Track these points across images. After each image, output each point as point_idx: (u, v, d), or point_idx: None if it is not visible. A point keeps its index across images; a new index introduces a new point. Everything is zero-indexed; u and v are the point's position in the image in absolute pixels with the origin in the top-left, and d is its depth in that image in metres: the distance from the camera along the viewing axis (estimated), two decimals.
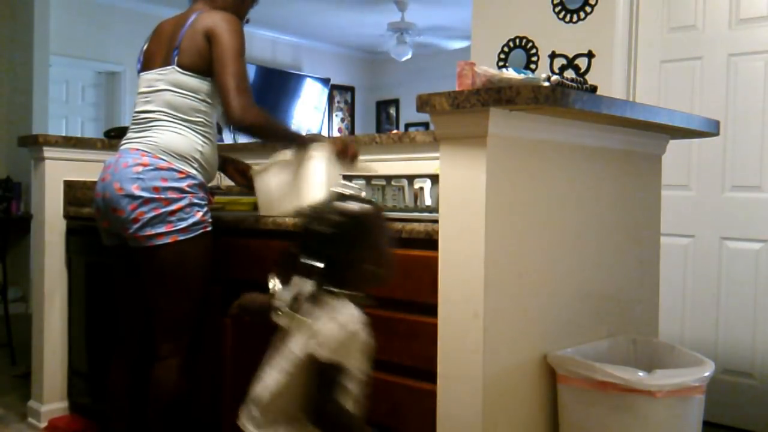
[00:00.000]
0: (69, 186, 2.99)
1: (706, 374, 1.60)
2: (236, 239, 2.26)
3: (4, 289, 4.12)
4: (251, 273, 2.21)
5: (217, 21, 2.11)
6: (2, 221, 4.28)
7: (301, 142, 2.22)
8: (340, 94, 9.51)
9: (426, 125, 8.50)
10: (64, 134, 4.59)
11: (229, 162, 2.58)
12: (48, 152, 2.93)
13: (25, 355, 3.60)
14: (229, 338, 2.22)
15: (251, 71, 7.95)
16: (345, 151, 2.24)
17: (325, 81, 8.91)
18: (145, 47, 2.27)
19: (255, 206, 2.86)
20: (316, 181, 2.15)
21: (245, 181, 2.49)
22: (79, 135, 6.58)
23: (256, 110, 2.09)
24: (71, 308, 2.99)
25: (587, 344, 1.81)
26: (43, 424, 2.97)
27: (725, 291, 3.06)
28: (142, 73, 2.22)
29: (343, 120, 9.58)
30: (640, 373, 1.54)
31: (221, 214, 2.46)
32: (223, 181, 3.39)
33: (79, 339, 2.95)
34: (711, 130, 2.07)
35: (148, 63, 2.21)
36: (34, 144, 2.94)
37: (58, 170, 2.97)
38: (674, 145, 2.27)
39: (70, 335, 3.00)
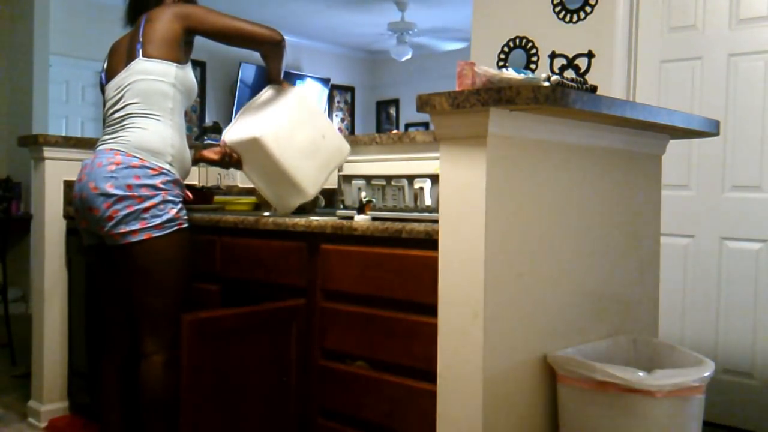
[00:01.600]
0: (69, 186, 2.99)
1: (706, 374, 1.60)
2: (236, 239, 2.26)
3: (4, 289, 4.12)
4: (251, 273, 2.22)
5: (180, 5, 2.22)
6: (2, 221, 4.27)
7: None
8: (340, 94, 9.51)
9: (426, 125, 8.49)
10: (64, 134, 4.59)
11: (197, 148, 2.58)
12: (48, 152, 2.93)
13: (25, 355, 3.60)
14: (186, 340, 1.90)
15: (251, 71, 7.95)
16: None
17: (325, 81, 8.91)
18: (105, 66, 2.34)
19: (255, 206, 2.87)
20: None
21: (218, 158, 2.33)
22: (79, 135, 6.58)
23: (278, 33, 2.24)
24: (71, 308, 2.99)
25: (587, 344, 1.81)
26: (43, 424, 2.97)
27: (725, 291, 3.06)
28: (107, 84, 2.27)
29: (343, 120, 9.58)
30: (640, 373, 1.54)
31: (221, 214, 2.46)
32: (223, 181, 3.40)
33: (79, 339, 2.95)
34: (711, 130, 2.07)
35: (111, 75, 2.27)
36: (34, 144, 2.94)
37: (58, 170, 2.97)
38: (674, 145, 2.27)
39: (70, 335, 3.00)
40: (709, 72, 3.13)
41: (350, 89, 9.66)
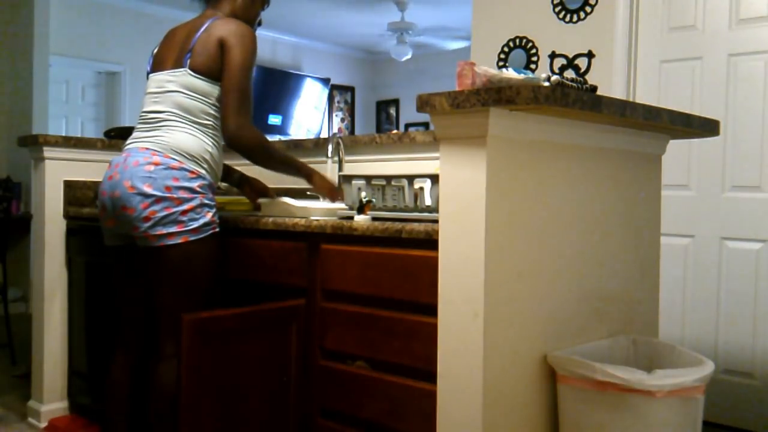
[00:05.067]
0: (69, 186, 2.99)
1: (706, 374, 1.60)
2: (236, 239, 2.26)
3: (4, 289, 4.12)
4: (251, 273, 2.22)
5: (232, 31, 2.13)
6: (2, 221, 4.27)
7: (303, 173, 2.33)
8: (340, 94, 9.51)
9: (426, 125, 8.50)
10: (64, 134, 4.60)
11: (245, 181, 2.59)
12: (48, 152, 2.93)
13: (25, 355, 3.60)
14: (186, 340, 1.85)
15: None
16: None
17: (325, 81, 8.90)
18: (155, 51, 2.29)
19: (255, 206, 2.86)
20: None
21: (253, 204, 2.52)
22: (79, 135, 6.58)
23: (252, 132, 2.15)
24: (71, 308, 2.99)
25: (587, 344, 1.81)
26: (43, 424, 2.97)
27: (725, 291, 3.06)
28: (152, 74, 2.24)
29: (343, 120, 9.58)
30: (640, 373, 1.54)
31: (221, 214, 2.46)
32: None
33: (79, 339, 2.95)
34: (711, 130, 2.07)
35: (158, 65, 2.23)
36: (34, 144, 2.94)
37: (58, 170, 2.97)
38: (674, 145, 2.27)
39: (70, 335, 3.00)
40: (709, 72, 3.13)
41: (350, 89, 9.66)
